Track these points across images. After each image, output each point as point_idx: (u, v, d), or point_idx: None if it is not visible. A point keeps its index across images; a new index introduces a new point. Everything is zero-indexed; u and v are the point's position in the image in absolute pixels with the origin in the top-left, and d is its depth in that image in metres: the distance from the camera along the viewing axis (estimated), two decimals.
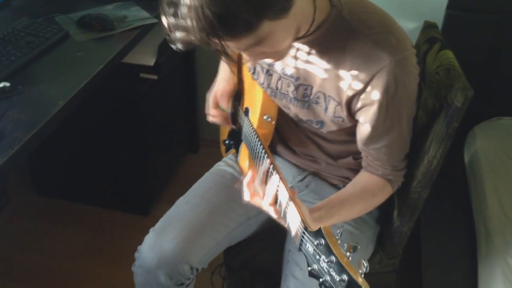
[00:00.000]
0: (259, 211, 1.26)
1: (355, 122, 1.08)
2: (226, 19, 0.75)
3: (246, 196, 0.99)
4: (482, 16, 1.74)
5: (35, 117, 1.19)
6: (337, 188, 1.25)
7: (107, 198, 2.08)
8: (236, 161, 1.33)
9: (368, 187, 1.11)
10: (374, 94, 0.98)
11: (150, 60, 1.76)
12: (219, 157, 1.47)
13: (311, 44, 1.02)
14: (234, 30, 0.78)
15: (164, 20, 0.82)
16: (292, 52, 1.05)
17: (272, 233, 1.32)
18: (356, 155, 1.19)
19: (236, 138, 1.38)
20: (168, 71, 1.89)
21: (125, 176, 1.99)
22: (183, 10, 0.76)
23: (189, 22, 0.77)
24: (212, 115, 1.35)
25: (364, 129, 1.05)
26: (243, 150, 1.30)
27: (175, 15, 0.78)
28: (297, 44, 1.04)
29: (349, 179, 1.22)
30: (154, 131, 1.96)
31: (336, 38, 0.99)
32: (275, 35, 0.85)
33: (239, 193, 1.26)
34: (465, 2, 1.74)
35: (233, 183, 1.27)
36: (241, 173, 1.30)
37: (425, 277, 1.45)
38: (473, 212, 1.57)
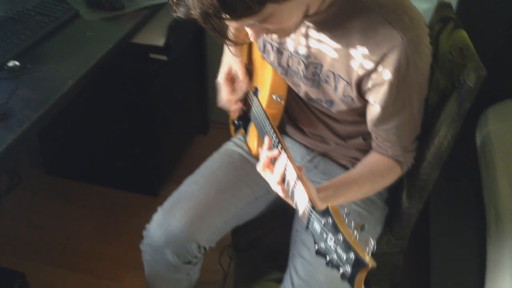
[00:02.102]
0: (267, 190, 1.27)
1: (365, 103, 1.07)
2: (228, 2, 0.74)
3: (259, 166, 0.98)
4: None
5: (45, 96, 1.19)
6: (346, 168, 1.25)
7: (117, 178, 2.09)
8: (245, 141, 1.33)
9: (377, 168, 1.10)
10: (385, 73, 0.97)
11: (159, 41, 1.75)
12: (228, 139, 1.47)
13: (321, 23, 1.00)
14: (235, 12, 0.77)
15: None
16: (302, 30, 1.04)
17: (280, 213, 1.32)
18: (366, 135, 1.18)
19: (245, 118, 1.37)
20: (178, 52, 1.88)
21: (135, 156, 2.00)
22: None
23: (190, 2, 0.76)
24: (232, 91, 1.31)
25: (374, 109, 1.04)
26: (252, 130, 1.29)
27: None
28: (307, 23, 1.02)
29: (358, 160, 1.21)
30: (164, 112, 1.96)
31: (347, 16, 0.97)
32: (278, 15, 0.84)
33: (246, 173, 1.26)
34: None
35: (242, 163, 1.27)
36: (250, 153, 1.30)
37: (433, 258, 1.45)
38: (483, 195, 1.56)
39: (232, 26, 0.85)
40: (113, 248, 1.88)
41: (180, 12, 0.81)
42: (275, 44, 1.13)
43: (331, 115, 1.18)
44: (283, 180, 0.94)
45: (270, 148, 1.00)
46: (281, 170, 0.93)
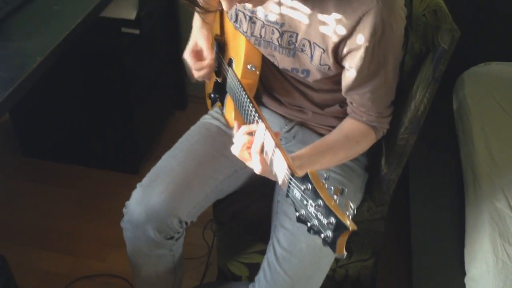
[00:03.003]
0: None
1: (340, 70, 1.06)
2: None
3: (235, 149, 0.97)
4: None
5: (13, 73, 1.16)
6: None
7: (96, 157, 2.06)
8: (222, 114, 1.31)
9: (352, 134, 1.10)
10: (361, 37, 0.96)
11: (131, 14, 1.71)
12: (207, 113, 1.44)
13: None
14: None
15: None
16: None
17: (260, 185, 1.32)
18: (343, 103, 1.18)
19: (221, 91, 1.35)
20: (150, 26, 1.84)
21: (113, 134, 1.97)
22: None
23: None
24: (197, 68, 1.27)
25: (349, 74, 1.03)
26: (228, 102, 1.28)
27: None
28: None
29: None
30: (139, 88, 1.92)
31: None
32: None
33: (225, 145, 1.25)
34: None
35: (219, 135, 1.25)
36: (227, 125, 1.28)
37: (413, 223, 1.47)
38: (461, 158, 1.58)
39: None
40: (94, 227, 1.86)
41: None
42: (248, 13, 1.11)
43: (307, 83, 1.17)
44: (261, 150, 0.93)
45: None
46: (260, 140, 0.92)
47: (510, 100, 1.68)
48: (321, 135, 1.25)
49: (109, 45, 1.74)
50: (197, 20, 1.28)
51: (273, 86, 1.24)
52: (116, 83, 1.82)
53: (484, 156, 1.49)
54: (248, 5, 0.98)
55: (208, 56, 1.24)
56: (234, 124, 1.00)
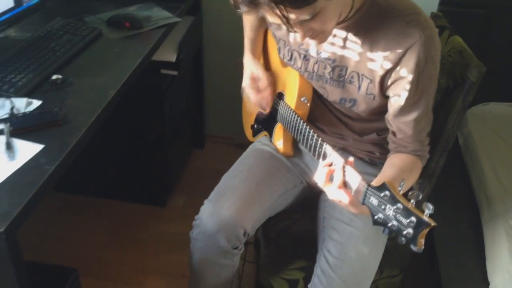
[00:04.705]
0: (294, 184, 1.43)
1: (384, 101, 1.22)
2: None
3: (320, 180, 1.05)
4: (469, 11, 1.95)
5: (93, 103, 1.30)
6: (364, 161, 1.40)
7: (125, 191, 2.17)
8: (271, 141, 1.47)
9: (404, 165, 1.19)
10: (407, 68, 1.11)
11: (171, 57, 1.88)
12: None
13: (347, 29, 1.16)
14: (297, 1, 0.91)
15: None
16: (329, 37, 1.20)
17: (303, 205, 1.47)
18: (379, 131, 1.34)
19: (264, 122, 1.52)
20: (185, 68, 2.02)
21: (145, 169, 2.09)
22: None
23: None
24: (259, 100, 1.45)
25: (394, 101, 1.18)
26: (277, 131, 1.44)
27: None
28: (335, 30, 1.18)
29: (373, 153, 1.38)
30: (172, 126, 2.07)
31: (370, 22, 1.13)
32: (325, 12, 0.99)
33: (276, 168, 1.41)
34: None
35: (271, 159, 1.41)
36: (277, 150, 1.44)
37: (438, 242, 1.62)
38: (472, 183, 1.76)
39: (292, 21, 0.97)
40: (128, 256, 1.95)
41: (243, 6, 0.94)
42: (302, 52, 1.29)
43: (348, 114, 1.34)
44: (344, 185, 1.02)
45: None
46: (330, 160, 1.06)
47: (511, 134, 1.89)
48: (361, 158, 1.41)
49: (150, 85, 1.89)
50: (248, 57, 1.47)
51: (317, 117, 1.40)
52: (153, 121, 1.96)
53: (494, 181, 1.68)
54: (311, 42, 1.15)
55: (265, 81, 1.43)
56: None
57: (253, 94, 1.46)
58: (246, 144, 1.57)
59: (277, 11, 0.93)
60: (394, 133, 1.25)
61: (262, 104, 1.46)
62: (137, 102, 1.93)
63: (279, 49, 1.37)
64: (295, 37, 1.15)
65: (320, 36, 1.08)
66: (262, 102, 1.45)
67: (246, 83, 1.47)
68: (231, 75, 2.13)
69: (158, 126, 1.98)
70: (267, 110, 1.49)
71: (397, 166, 1.19)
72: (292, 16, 0.96)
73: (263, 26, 1.48)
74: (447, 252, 1.59)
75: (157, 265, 1.92)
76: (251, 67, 1.48)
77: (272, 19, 0.98)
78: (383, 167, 1.20)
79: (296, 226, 1.46)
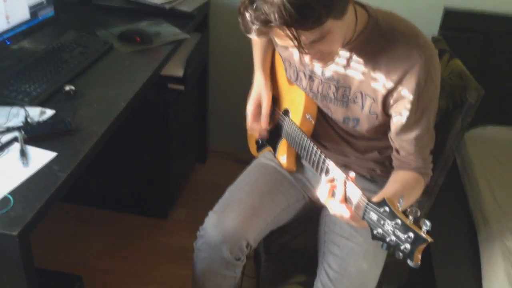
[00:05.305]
0: (296, 199, 1.46)
1: (386, 119, 1.26)
2: (304, 10, 0.93)
3: (323, 195, 1.10)
4: (469, 35, 2.02)
5: (104, 114, 1.34)
6: (365, 178, 1.44)
7: (128, 203, 2.20)
8: (275, 156, 1.51)
9: (407, 181, 1.23)
10: (408, 88, 1.15)
11: (179, 72, 1.93)
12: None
13: (351, 50, 1.21)
14: (307, 21, 0.95)
15: (245, 13, 0.98)
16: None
17: (305, 220, 1.51)
18: (381, 150, 1.38)
19: (269, 137, 1.56)
20: (191, 84, 2.06)
21: (149, 181, 2.12)
22: (265, 4, 0.94)
23: (271, 16, 0.94)
24: (253, 129, 1.54)
25: (396, 120, 1.21)
26: (281, 146, 1.48)
27: (256, 9, 0.96)
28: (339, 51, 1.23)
29: (375, 171, 1.42)
30: (176, 140, 2.11)
31: (373, 43, 1.18)
32: (333, 34, 1.04)
33: (280, 182, 1.45)
34: (456, 23, 2.01)
35: (275, 174, 1.45)
36: (280, 165, 1.48)
37: (435, 259, 1.65)
38: (469, 204, 1.80)
39: (302, 42, 1.01)
40: (130, 266, 1.98)
41: (255, 32, 0.98)
42: (308, 72, 1.33)
43: (351, 132, 1.38)
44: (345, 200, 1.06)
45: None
46: (333, 176, 1.11)
47: (507, 156, 1.94)
48: (362, 175, 1.45)
49: (157, 99, 1.93)
50: (259, 77, 1.51)
51: (320, 134, 1.44)
52: (158, 134, 2.00)
53: (490, 201, 1.72)
54: (319, 64, 1.20)
55: (264, 124, 1.49)
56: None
57: (251, 121, 1.51)
58: (247, 160, 1.61)
59: (288, 33, 0.97)
60: (397, 151, 1.28)
61: (254, 133, 1.53)
62: (143, 115, 1.97)
63: (285, 69, 1.42)
64: (300, 58, 1.20)
65: (327, 58, 1.13)
66: (255, 132, 1.52)
67: (249, 109, 1.52)
68: (235, 91, 2.18)
69: (163, 140, 2.01)
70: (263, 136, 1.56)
71: (399, 182, 1.22)
72: (302, 37, 1.00)
73: (271, 46, 1.53)
74: (444, 270, 1.62)
75: (158, 276, 1.94)
76: (260, 87, 1.52)
77: (280, 42, 1.03)
78: (387, 183, 1.24)
79: (297, 240, 1.50)
